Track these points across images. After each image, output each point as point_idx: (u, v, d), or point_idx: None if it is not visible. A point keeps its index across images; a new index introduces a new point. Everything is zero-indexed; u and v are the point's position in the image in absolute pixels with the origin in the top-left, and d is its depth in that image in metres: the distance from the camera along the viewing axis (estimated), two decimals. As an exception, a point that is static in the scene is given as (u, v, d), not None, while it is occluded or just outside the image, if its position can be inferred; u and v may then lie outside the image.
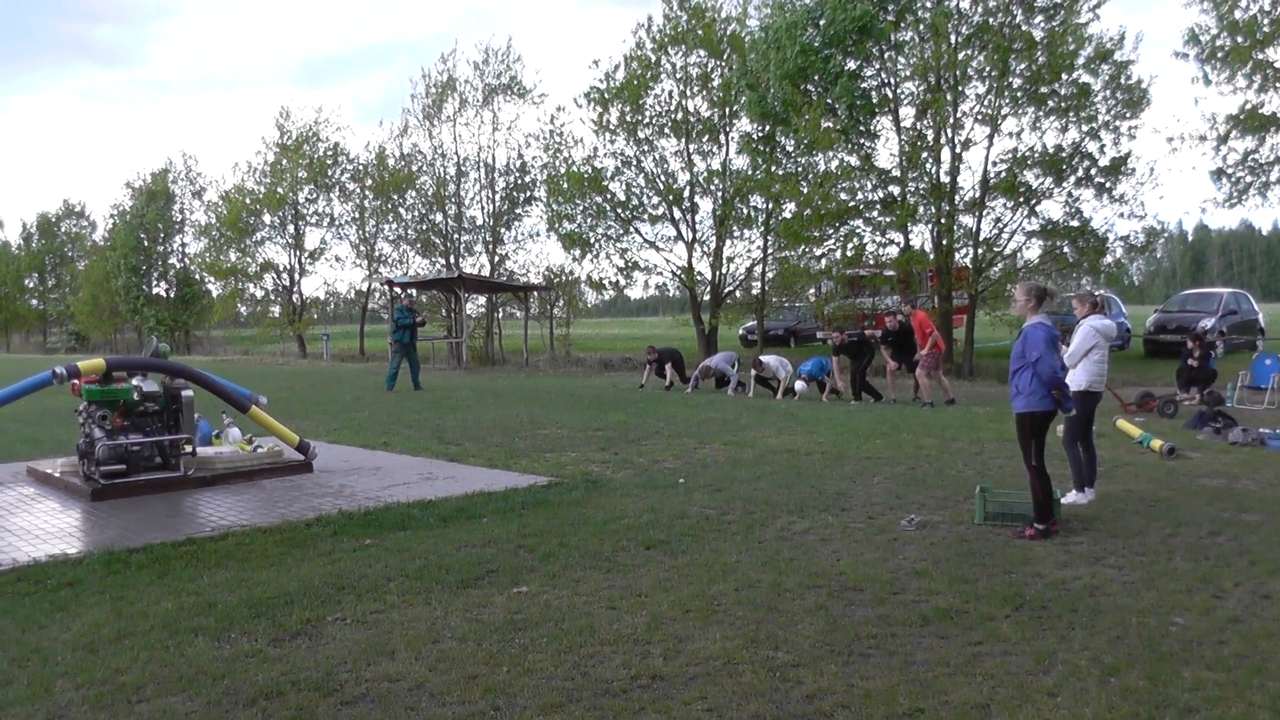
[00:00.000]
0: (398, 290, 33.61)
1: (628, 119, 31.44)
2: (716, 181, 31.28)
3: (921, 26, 24.68)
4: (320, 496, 9.20)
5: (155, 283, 61.40)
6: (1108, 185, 24.08)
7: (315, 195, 47.08)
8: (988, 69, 23.90)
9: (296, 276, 48.55)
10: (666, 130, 31.49)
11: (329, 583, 6.29)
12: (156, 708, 4.48)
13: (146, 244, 59.92)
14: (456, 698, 4.51)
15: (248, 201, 47.33)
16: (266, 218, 47.59)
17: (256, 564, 6.83)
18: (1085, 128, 23.77)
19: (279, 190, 46.58)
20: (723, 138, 31.25)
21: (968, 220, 25.40)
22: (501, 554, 6.99)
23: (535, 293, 37.25)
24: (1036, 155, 24.13)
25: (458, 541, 7.37)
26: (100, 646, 5.26)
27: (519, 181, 40.07)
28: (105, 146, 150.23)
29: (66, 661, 5.07)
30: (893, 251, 26.52)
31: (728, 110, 30.62)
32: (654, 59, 30.93)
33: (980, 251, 25.29)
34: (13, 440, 13.82)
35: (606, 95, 31.42)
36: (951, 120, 24.45)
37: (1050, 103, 23.71)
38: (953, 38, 23.92)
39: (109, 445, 9.50)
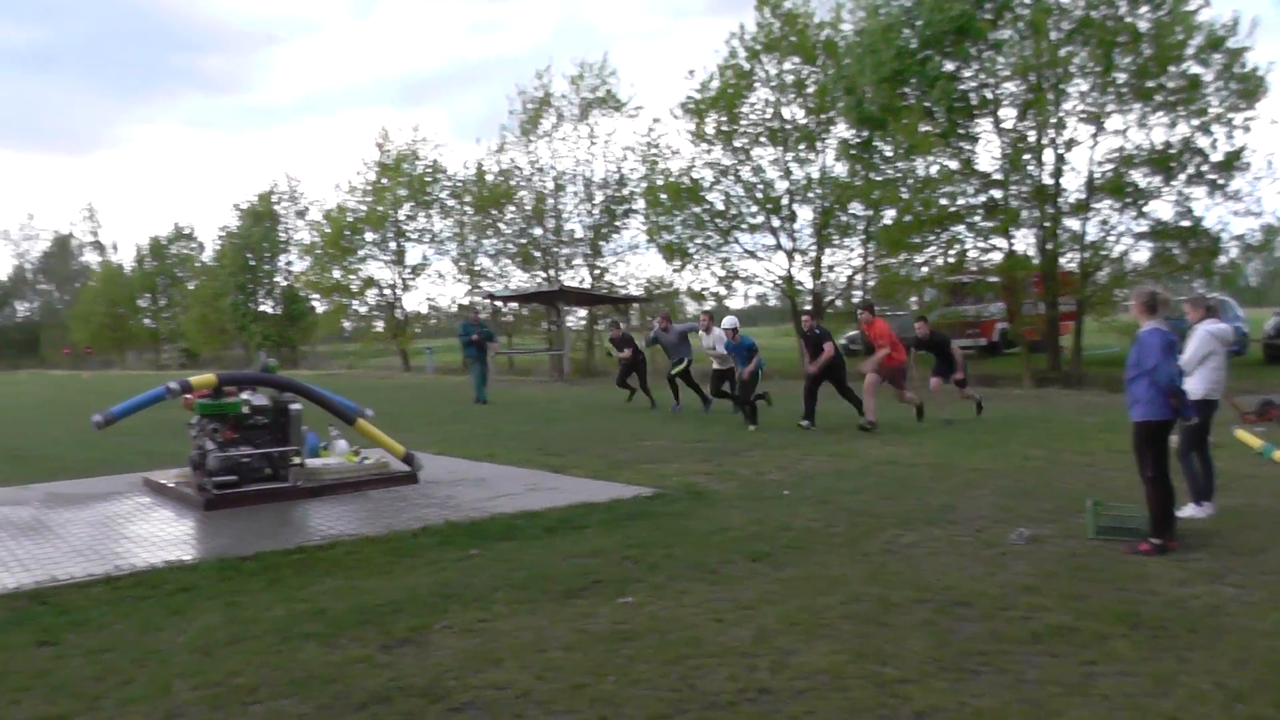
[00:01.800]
0: (498, 303, 33.94)
1: (723, 128, 31.38)
2: (815, 189, 31.06)
3: (1021, 24, 24.17)
4: (426, 507, 9.33)
5: (262, 300, 63.06)
6: (1221, 182, 23.28)
7: (415, 212, 47.80)
8: (1090, 65, 23.31)
9: (399, 292, 49.38)
10: (762, 138, 31.36)
11: (436, 591, 6.37)
12: (269, 710, 4.59)
13: (253, 263, 61.61)
14: (563, 707, 4.53)
15: (350, 220, 48.28)
16: (368, 235, 48.47)
17: (365, 572, 6.96)
18: (1196, 122, 23.00)
19: (380, 208, 47.42)
20: (819, 145, 31.03)
21: (1073, 223, 24.84)
22: (606, 565, 7.01)
23: (635, 304, 37.34)
24: (1144, 153, 23.50)
25: (563, 552, 7.41)
26: (215, 650, 5.42)
27: (617, 194, 40.30)
28: (213, 171, 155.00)
29: (183, 663, 5.23)
30: (996, 257, 26.05)
31: (824, 117, 30.40)
32: (748, 67, 30.83)
33: (1087, 255, 24.70)
34: (129, 453, 14.28)
35: (702, 105, 31.43)
36: (1054, 120, 23.94)
37: (1158, 97, 23.02)
38: (1053, 34, 23.41)
39: (220, 457, 9.77)
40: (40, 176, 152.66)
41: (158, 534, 8.63)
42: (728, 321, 16.18)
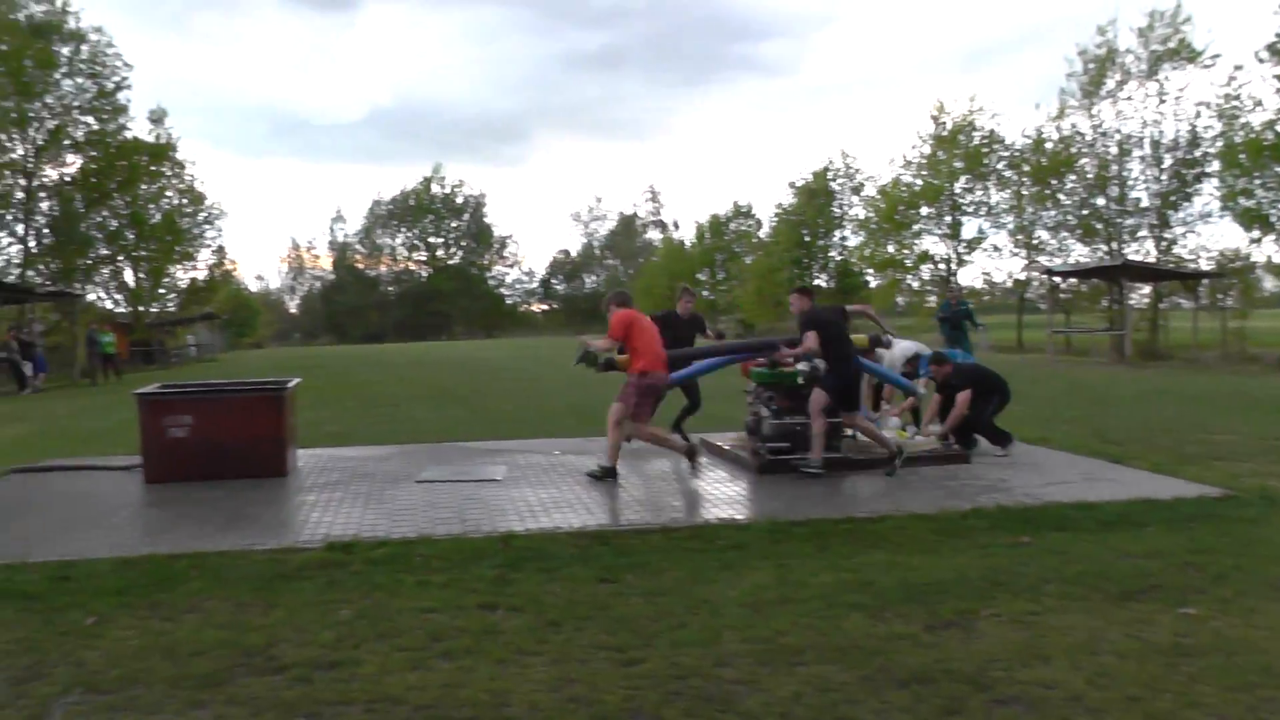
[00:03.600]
0: (1055, 279, 32.55)
1: (1321, 68, 27.70)
2: None
3: None
4: (977, 488, 9.08)
5: (816, 275, 64.89)
6: None
7: (971, 185, 46.95)
8: None
9: (954, 266, 48.72)
10: (1367, 74, 27.21)
11: (983, 576, 6.17)
12: (814, 672, 4.67)
13: (807, 239, 63.51)
14: (1114, 718, 4.19)
15: (905, 194, 48.37)
16: (923, 209, 48.28)
17: (912, 549, 6.90)
18: None
19: (935, 182, 47.06)
20: None
21: None
22: (1166, 569, 6.40)
23: (1204, 280, 34.16)
24: None
25: (1119, 550, 6.87)
26: (763, 607, 5.61)
27: (1188, 156, 36.92)
28: (770, 151, 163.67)
29: (732, 616, 5.47)
30: None
31: None
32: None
33: None
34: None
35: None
36: None
37: None
38: None
39: (775, 424, 10.16)
40: (607, 162, 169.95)
41: (712, 492, 9.15)
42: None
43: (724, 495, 9.02)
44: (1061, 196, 41.31)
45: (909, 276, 50.30)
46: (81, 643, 5.27)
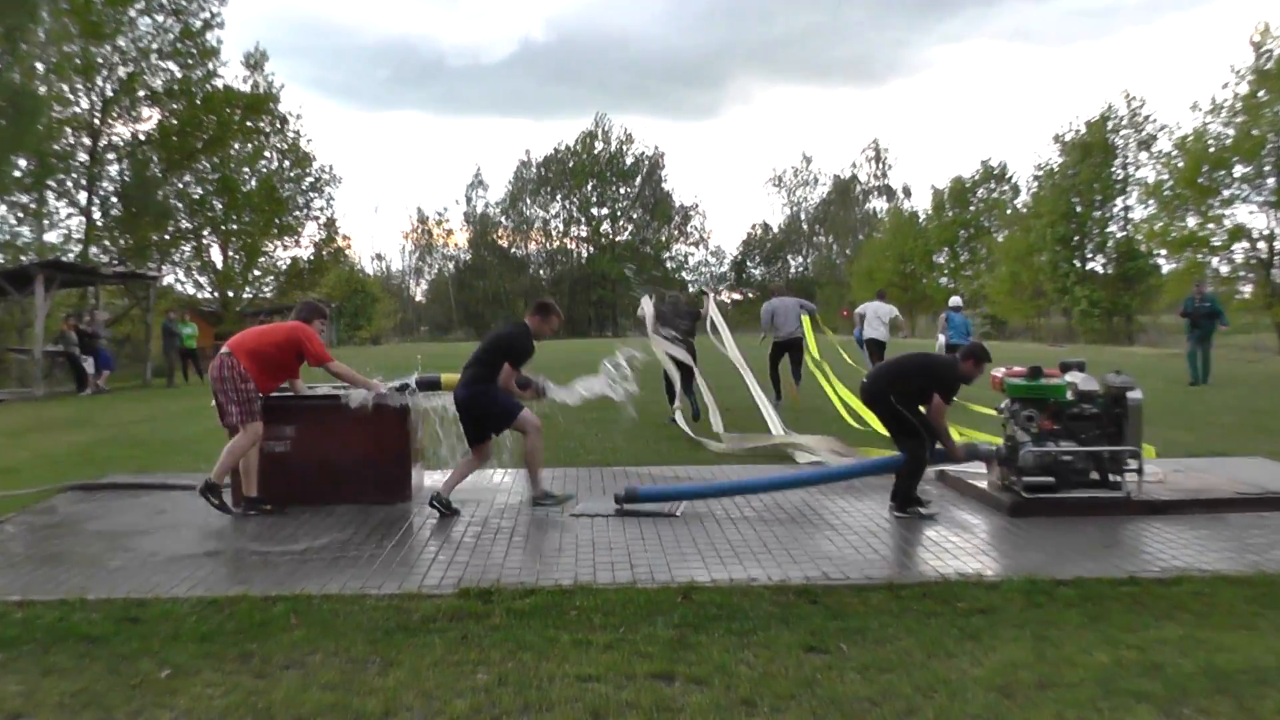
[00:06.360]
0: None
1: None
2: None
3: None
4: (1304, 544, 8.70)
5: (1090, 256, 63.32)
6: None
7: (1308, 131, 44.98)
8: None
9: (1277, 245, 46.77)
10: None
11: (1316, 663, 5.91)
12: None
13: (1079, 210, 62.07)
14: None
15: (1211, 150, 46.62)
16: (1237, 169, 46.44)
17: (1218, 623, 6.65)
18: None
19: (1255, 131, 45.12)
20: None
21: None
22: None
23: None
24: None
25: None
26: (1017, 692, 5.52)
27: None
28: (1034, 96, 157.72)
29: (977, 702, 5.40)
30: None
31: None
32: None
33: None
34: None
35: None
36: None
37: None
38: None
39: (1034, 452, 9.92)
40: (819, 113, 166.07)
41: (952, 538, 9.03)
42: None
43: (967, 543, 8.89)
44: None
45: (1216, 259, 48.47)
46: (154, 699, 5.54)
